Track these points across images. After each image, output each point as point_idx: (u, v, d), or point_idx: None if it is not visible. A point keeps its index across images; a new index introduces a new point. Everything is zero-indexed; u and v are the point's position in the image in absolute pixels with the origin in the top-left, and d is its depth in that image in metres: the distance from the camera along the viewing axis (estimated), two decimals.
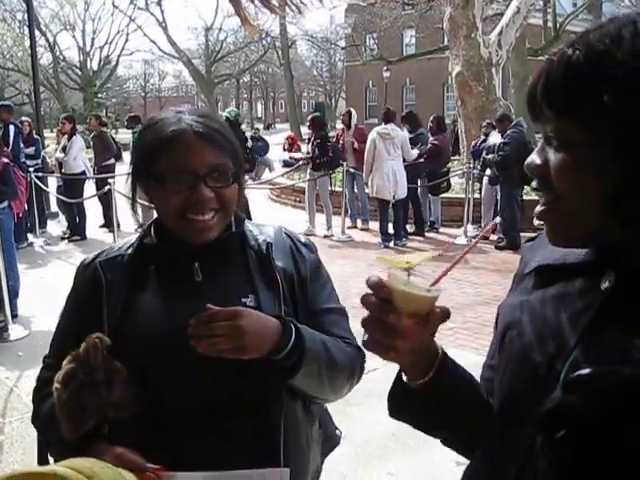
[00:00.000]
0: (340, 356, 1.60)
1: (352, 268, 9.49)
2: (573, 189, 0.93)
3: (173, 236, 1.55)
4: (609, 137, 0.87)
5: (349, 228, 12.02)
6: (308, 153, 11.77)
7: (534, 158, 0.99)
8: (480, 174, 11.04)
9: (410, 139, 11.33)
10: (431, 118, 12.31)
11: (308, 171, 11.94)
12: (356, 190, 12.24)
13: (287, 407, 1.54)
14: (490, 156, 10.36)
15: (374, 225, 11.46)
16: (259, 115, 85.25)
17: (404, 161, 10.81)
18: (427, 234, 11.78)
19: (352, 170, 11.76)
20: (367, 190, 11.33)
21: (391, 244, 10.86)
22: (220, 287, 1.55)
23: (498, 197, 10.66)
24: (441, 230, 12.11)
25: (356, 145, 11.93)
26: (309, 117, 12.32)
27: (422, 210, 11.81)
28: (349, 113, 12.47)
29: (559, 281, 1.06)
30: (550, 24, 28.18)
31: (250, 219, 1.74)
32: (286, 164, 19.63)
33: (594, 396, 0.78)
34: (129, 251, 1.60)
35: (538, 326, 1.04)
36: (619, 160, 0.87)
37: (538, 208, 1.01)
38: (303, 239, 1.75)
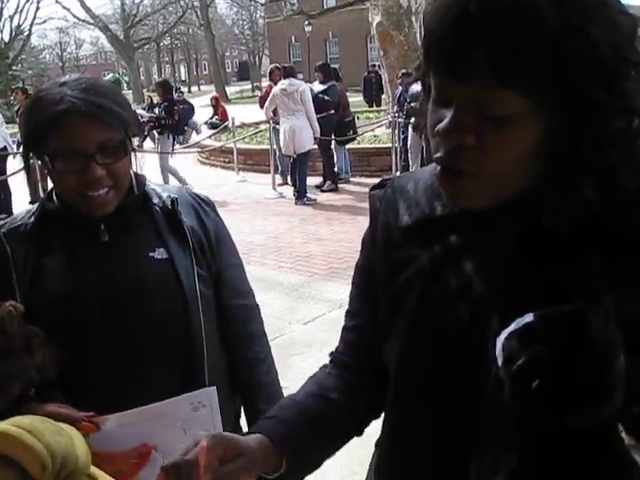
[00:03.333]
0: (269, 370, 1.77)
1: (285, 224, 9.54)
2: (509, 166, 0.91)
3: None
4: (554, 110, 0.87)
5: (280, 185, 11.99)
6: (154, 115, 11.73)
7: (460, 136, 0.90)
8: (405, 122, 11.12)
9: (323, 91, 11.29)
10: (316, 67, 12.26)
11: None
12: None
13: (209, 351, 1.60)
14: (414, 104, 10.43)
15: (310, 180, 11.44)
16: (182, 78, 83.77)
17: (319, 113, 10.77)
18: (340, 186, 11.68)
19: (278, 127, 11.72)
20: None
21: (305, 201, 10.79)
22: (128, 244, 1.59)
23: (423, 143, 10.75)
24: (358, 180, 12.03)
25: None
26: (156, 82, 12.49)
27: (333, 163, 11.74)
28: (278, 69, 12.42)
29: (443, 234, 1.06)
30: None
31: None
32: (213, 126, 19.40)
33: (552, 339, 0.78)
34: (32, 219, 1.60)
35: (444, 285, 1.03)
36: (561, 132, 0.88)
37: (445, 174, 0.95)
38: (204, 197, 1.78)
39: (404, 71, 12.16)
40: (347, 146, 12.44)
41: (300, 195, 10.77)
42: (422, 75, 1.02)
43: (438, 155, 0.94)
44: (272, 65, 13.10)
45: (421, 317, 1.06)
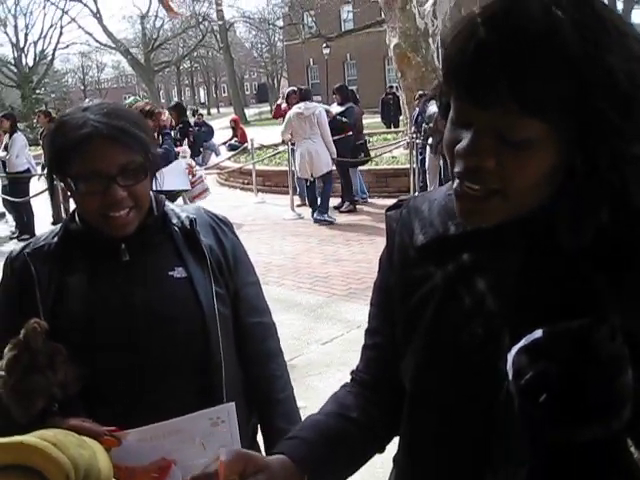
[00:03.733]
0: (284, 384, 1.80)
1: (303, 245, 9.57)
2: (527, 187, 0.94)
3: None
4: (572, 133, 0.89)
5: (299, 206, 12.02)
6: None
7: (479, 159, 0.92)
8: (423, 143, 11.15)
9: (341, 112, 11.37)
10: (334, 89, 12.34)
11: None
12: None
13: (227, 368, 1.63)
14: (431, 125, 10.47)
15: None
16: (202, 100, 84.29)
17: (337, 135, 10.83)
18: (359, 207, 11.71)
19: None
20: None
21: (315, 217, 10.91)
22: (148, 263, 1.63)
23: (441, 164, 10.77)
24: (376, 201, 12.03)
25: None
26: (170, 106, 12.69)
27: (351, 184, 11.73)
28: (294, 92, 12.51)
29: (457, 252, 1.08)
30: None
31: None
32: (232, 147, 19.54)
33: (560, 355, 0.80)
34: (55, 239, 1.65)
35: (458, 302, 1.05)
36: (578, 153, 0.90)
37: (467, 200, 0.97)
38: (221, 217, 1.82)
39: (421, 92, 12.21)
40: (365, 167, 12.49)
41: (320, 212, 10.85)
42: (440, 95, 1.05)
43: (458, 171, 0.96)
44: (289, 88, 13.19)
45: (436, 335, 1.08)
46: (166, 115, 7.06)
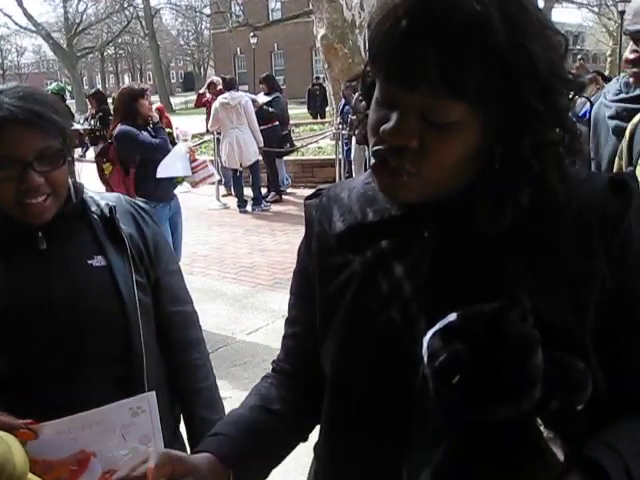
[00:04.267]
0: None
1: (229, 235, 9.52)
2: (448, 167, 0.96)
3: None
4: (494, 117, 0.92)
5: (224, 196, 11.94)
6: (90, 126, 11.68)
7: (404, 138, 0.94)
8: (349, 134, 11.18)
9: (268, 102, 11.37)
10: (260, 78, 12.35)
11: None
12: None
13: (148, 358, 1.61)
14: (355, 117, 10.48)
15: (248, 191, 11.47)
16: None
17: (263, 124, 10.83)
18: (284, 197, 11.74)
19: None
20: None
21: (248, 208, 10.95)
22: (66, 252, 1.59)
23: (366, 155, 10.82)
24: (302, 191, 11.97)
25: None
26: (89, 94, 12.47)
27: (277, 174, 11.78)
28: (213, 83, 12.47)
29: (375, 239, 1.10)
30: None
31: None
32: None
33: (473, 337, 0.81)
34: None
35: (375, 288, 1.07)
36: (499, 138, 0.94)
37: (384, 167, 0.98)
38: (142, 204, 1.79)
39: (348, 84, 12.26)
40: (291, 158, 12.54)
41: (257, 202, 10.88)
42: (363, 75, 1.06)
43: (378, 148, 0.98)
44: (212, 77, 13.08)
45: (354, 321, 1.09)
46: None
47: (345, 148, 11.56)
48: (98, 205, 1.66)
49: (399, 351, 1.02)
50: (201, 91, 12.54)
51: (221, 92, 11.40)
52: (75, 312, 1.55)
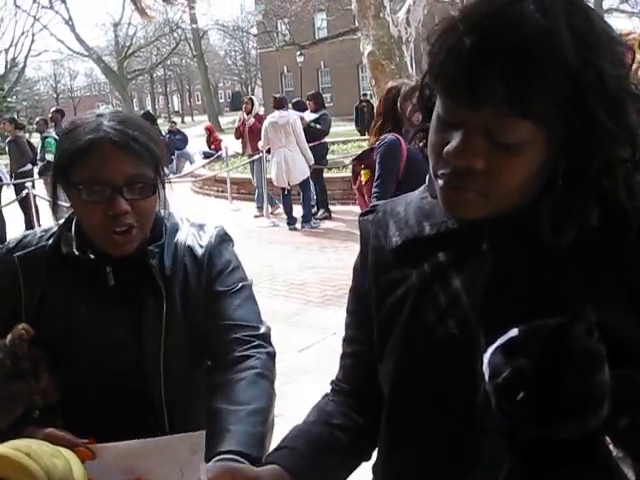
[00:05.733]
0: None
1: (278, 252, 9.55)
2: (514, 187, 0.94)
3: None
4: (562, 135, 0.90)
5: (256, 217, 12.07)
6: None
7: (469, 159, 0.92)
8: None
9: (315, 119, 11.41)
10: (308, 96, 12.34)
11: None
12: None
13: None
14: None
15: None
16: (176, 108, 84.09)
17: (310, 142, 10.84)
18: (334, 214, 11.70)
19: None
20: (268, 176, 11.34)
21: (297, 226, 10.93)
22: (128, 293, 1.57)
23: None
24: (351, 208, 11.76)
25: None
26: (140, 115, 12.57)
27: (325, 191, 11.77)
28: (251, 101, 12.59)
29: (431, 253, 1.08)
30: (458, 0, 28.58)
31: None
32: (206, 155, 19.49)
33: (536, 353, 0.80)
34: (48, 243, 1.59)
35: (433, 302, 1.05)
36: (565, 154, 0.92)
37: (450, 187, 0.96)
38: (206, 226, 1.71)
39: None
40: (340, 175, 12.63)
41: (306, 219, 10.89)
42: (421, 87, 1.05)
43: (443, 172, 0.96)
44: (246, 97, 13.21)
45: (412, 335, 1.08)
46: None
47: None
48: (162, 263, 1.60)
49: (458, 367, 1.00)
50: (239, 122, 12.62)
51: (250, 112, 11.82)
52: (134, 354, 1.56)
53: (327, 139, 12.14)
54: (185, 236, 1.65)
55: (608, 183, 0.92)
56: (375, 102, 16.07)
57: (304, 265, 8.71)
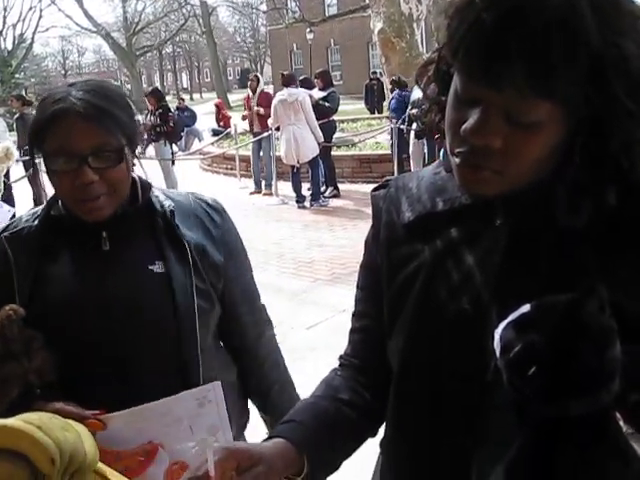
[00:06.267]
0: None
1: (287, 230, 9.57)
2: (531, 166, 0.94)
3: None
4: (582, 115, 0.89)
5: (251, 194, 12.17)
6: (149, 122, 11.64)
7: (488, 138, 0.91)
8: (407, 129, 11.13)
9: (323, 97, 11.35)
10: (316, 74, 12.29)
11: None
12: (262, 154, 12.17)
13: (205, 366, 1.60)
14: (414, 110, 10.44)
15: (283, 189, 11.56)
16: (184, 86, 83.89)
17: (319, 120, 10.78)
18: (343, 192, 11.68)
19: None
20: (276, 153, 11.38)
21: (306, 204, 10.92)
22: (127, 255, 1.58)
23: (425, 150, 10.75)
24: (359, 187, 11.94)
25: (261, 111, 11.87)
26: (148, 92, 12.44)
27: (334, 169, 11.75)
28: (257, 78, 12.54)
29: (443, 229, 1.08)
30: None
31: None
32: (215, 133, 19.46)
33: (549, 328, 0.80)
34: (35, 222, 1.59)
35: (446, 278, 1.06)
36: (583, 134, 0.91)
37: (468, 165, 0.96)
38: (212, 203, 1.73)
39: (394, 78, 12.26)
40: (350, 153, 12.62)
41: (315, 197, 10.89)
42: (437, 61, 1.03)
43: (460, 150, 0.96)
44: (251, 74, 13.17)
45: (423, 311, 1.08)
46: None
47: (395, 142, 11.51)
48: (162, 206, 1.62)
49: (470, 342, 1.00)
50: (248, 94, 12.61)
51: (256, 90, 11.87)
52: (131, 317, 1.53)
53: (336, 117, 12.09)
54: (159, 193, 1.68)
55: (626, 163, 0.91)
56: (385, 80, 16.04)
57: (312, 243, 8.72)
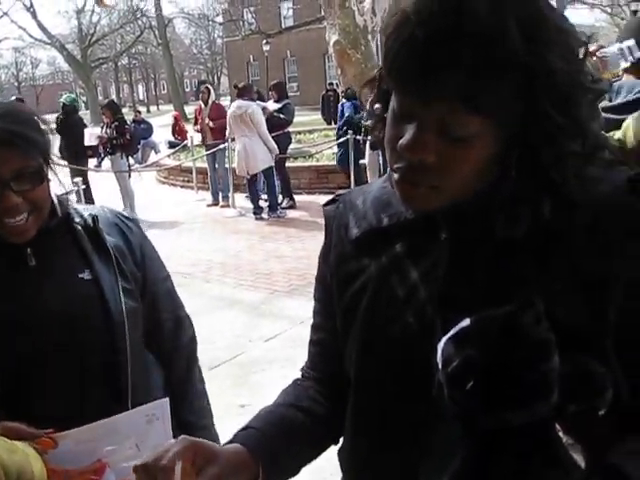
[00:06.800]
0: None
1: (245, 242, 9.53)
2: (466, 178, 0.95)
3: None
4: (513, 129, 0.91)
5: (209, 206, 12.15)
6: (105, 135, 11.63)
7: (421, 154, 0.92)
8: (364, 139, 11.17)
9: (278, 109, 11.41)
10: (270, 86, 12.37)
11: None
12: (217, 166, 12.19)
13: (135, 367, 1.62)
14: (369, 122, 10.46)
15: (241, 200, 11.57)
16: (141, 98, 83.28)
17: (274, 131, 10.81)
18: (300, 203, 11.70)
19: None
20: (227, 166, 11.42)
21: (264, 215, 10.90)
22: (55, 268, 1.60)
23: (380, 160, 10.80)
24: (317, 197, 11.96)
25: (211, 124, 11.91)
26: (103, 105, 12.38)
27: (289, 180, 11.78)
28: (208, 90, 12.50)
29: (388, 245, 1.09)
30: None
31: None
32: (172, 145, 19.35)
33: (486, 342, 0.81)
34: None
35: (391, 293, 1.07)
36: (518, 148, 0.93)
37: (405, 181, 0.97)
38: (127, 214, 1.81)
39: (344, 89, 12.41)
40: (306, 164, 12.66)
41: (272, 208, 10.88)
42: (379, 79, 1.05)
43: (398, 166, 0.97)
44: (202, 86, 13.11)
45: (371, 327, 1.09)
46: None
47: (339, 153, 11.61)
48: (82, 217, 1.66)
49: (415, 357, 1.01)
50: (224, 103, 12.57)
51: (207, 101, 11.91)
52: (66, 326, 1.55)
53: (292, 128, 12.13)
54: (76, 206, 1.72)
55: (558, 176, 0.93)
56: (341, 91, 16.10)
57: (270, 255, 8.71)
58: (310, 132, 18.14)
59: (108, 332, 1.59)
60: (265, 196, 11.40)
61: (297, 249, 8.78)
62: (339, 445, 1.25)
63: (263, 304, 6.82)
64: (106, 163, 11.76)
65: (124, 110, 14.01)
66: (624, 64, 2.12)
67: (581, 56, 0.94)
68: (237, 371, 5.15)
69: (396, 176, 0.98)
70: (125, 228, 1.73)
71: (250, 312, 6.59)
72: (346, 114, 11.72)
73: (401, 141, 0.94)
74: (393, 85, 0.96)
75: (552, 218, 0.95)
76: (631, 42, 2.20)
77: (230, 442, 1.14)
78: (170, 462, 0.98)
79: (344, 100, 12.15)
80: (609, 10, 40.68)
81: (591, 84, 0.95)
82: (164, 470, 0.98)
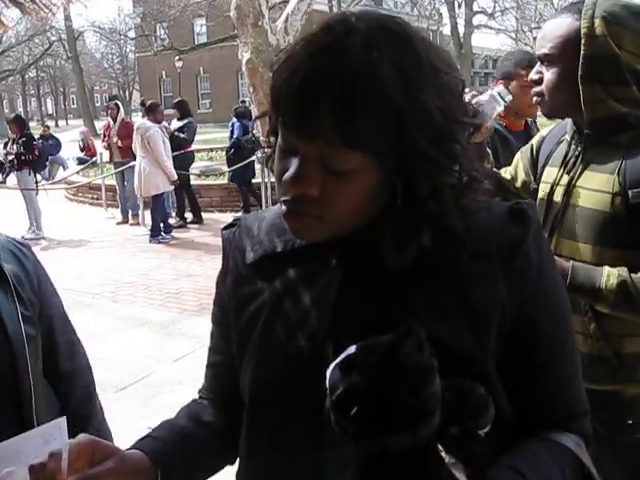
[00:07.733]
0: None
1: (155, 261, 9.42)
2: (350, 210, 0.99)
3: None
4: (393, 163, 0.95)
5: (118, 224, 11.99)
6: (11, 152, 11.38)
7: (304, 187, 0.96)
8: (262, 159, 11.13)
9: (180, 128, 11.40)
10: (173, 104, 12.33)
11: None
12: (126, 184, 11.92)
13: (37, 391, 1.60)
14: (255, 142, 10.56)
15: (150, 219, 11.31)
16: (49, 111, 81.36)
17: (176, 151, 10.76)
18: (211, 222, 11.70)
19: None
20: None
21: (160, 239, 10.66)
22: None
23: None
24: (229, 215, 11.88)
25: (119, 143, 11.71)
26: (10, 120, 12.17)
27: (194, 198, 11.80)
28: (117, 106, 12.20)
29: (282, 270, 1.12)
30: (335, 9, 29.03)
31: None
32: (81, 161, 18.95)
33: (370, 369, 0.83)
34: None
35: (284, 317, 1.09)
36: (399, 181, 0.97)
37: (291, 212, 1.01)
38: (20, 240, 1.78)
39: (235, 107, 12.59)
40: (218, 182, 12.67)
41: (154, 234, 10.63)
42: (269, 114, 1.07)
43: (285, 199, 1.00)
44: (111, 102, 12.86)
45: (265, 350, 1.11)
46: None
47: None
48: None
49: (308, 382, 1.03)
50: (135, 119, 12.34)
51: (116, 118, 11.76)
52: None
53: (204, 146, 12.06)
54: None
55: (436, 206, 0.98)
56: (253, 109, 16.11)
57: (180, 274, 8.64)
58: (222, 149, 18.07)
59: (9, 361, 1.55)
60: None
61: (207, 268, 8.70)
62: (236, 468, 1.26)
63: (172, 324, 6.75)
64: (11, 179, 11.42)
65: (31, 124, 13.68)
66: (499, 109, 2.25)
67: (458, 94, 1.00)
68: (146, 391, 5.09)
69: (284, 208, 1.02)
70: (19, 254, 1.70)
71: (159, 332, 6.51)
72: (235, 134, 11.77)
73: (285, 175, 0.98)
74: (279, 121, 0.99)
75: (436, 248, 0.99)
76: (500, 87, 2.34)
77: (130, 449, 1.14)
78: (60, 451, 1.01)
79: (234, 119, 12.13)
80: (514, 35, 42.11)
81: (467, 119, 1.01)
82: (53, 455, 1.02)
